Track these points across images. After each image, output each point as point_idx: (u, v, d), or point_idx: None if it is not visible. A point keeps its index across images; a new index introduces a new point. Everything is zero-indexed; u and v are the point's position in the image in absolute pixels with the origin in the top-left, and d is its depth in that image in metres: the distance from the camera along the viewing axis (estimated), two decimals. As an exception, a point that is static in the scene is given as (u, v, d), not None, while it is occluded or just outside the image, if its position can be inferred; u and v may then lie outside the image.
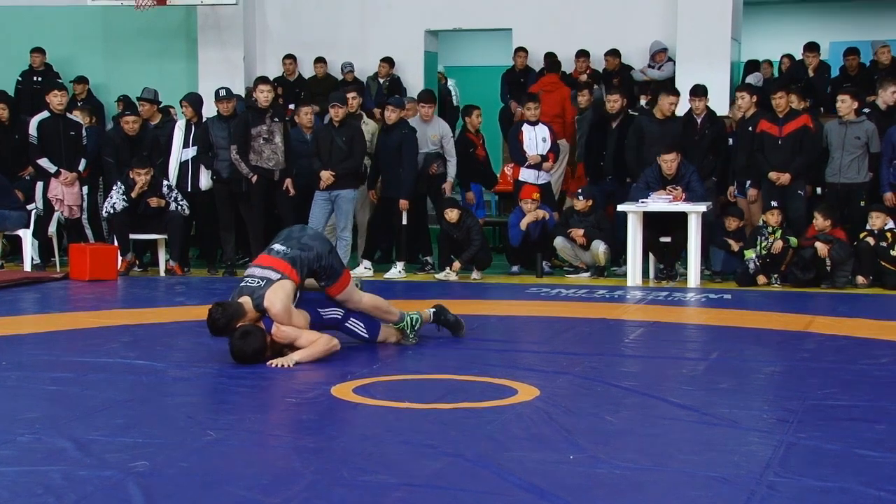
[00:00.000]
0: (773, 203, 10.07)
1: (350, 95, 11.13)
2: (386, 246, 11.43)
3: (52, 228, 11.25)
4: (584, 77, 13.10)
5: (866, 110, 10.63)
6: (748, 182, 10.63)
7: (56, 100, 11.13)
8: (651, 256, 10.45)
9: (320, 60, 13.82)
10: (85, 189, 11.42)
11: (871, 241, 9.80)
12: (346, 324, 6.66)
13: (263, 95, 10.55)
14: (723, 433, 4.76)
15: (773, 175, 10.25)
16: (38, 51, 14.26)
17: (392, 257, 11.06)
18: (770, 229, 9.94)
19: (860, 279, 9.81)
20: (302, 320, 6.34)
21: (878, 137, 10.23)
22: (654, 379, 5.93)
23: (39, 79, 13.86)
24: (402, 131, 10.69)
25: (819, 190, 10.74)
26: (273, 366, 6.12)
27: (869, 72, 12.69)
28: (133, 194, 10.49)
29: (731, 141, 10.81)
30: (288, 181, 10.60)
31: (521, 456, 4.36)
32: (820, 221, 9.85)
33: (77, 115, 11.67)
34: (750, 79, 12.83)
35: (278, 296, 6.18)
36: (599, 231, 10.48)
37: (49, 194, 11.11)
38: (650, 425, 4.89)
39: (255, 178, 10.42)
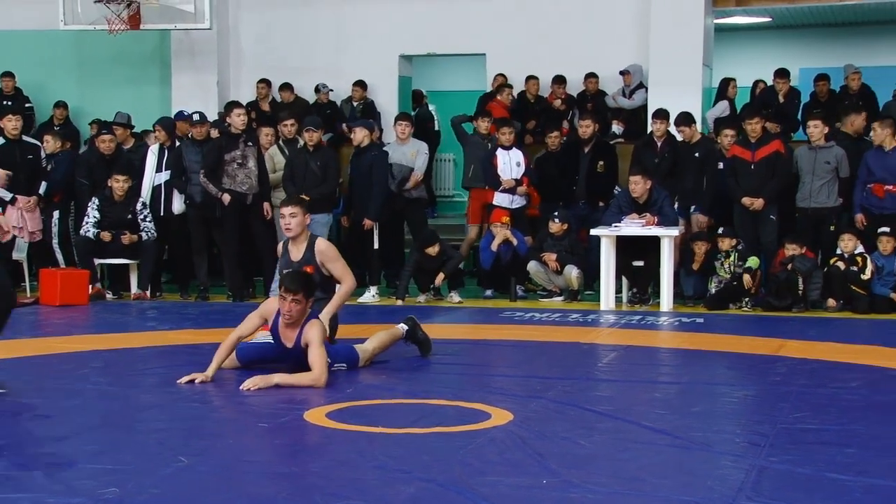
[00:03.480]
0: (720, 230, 10.25)
1: (289, 122, 11.15)
2: (358, 271, 11.37)
3: (20, 254, 11.06)
4: (558, 102, 13.15)
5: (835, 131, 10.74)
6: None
7: (10, 125, 10.83)
8: (624, 280, 10.49)
9: (286, 87, 13.72)
10: (56, 214, 11.31)
11: (841, 265, 9.87)
12: (330, 371, 6.63)
13: (240, 120, 10.52)
14: (696, 457, 4.77)
15: (746, 200, 10.32)
16: (7, 75, 14.16)
17: (365, 281, 11.03)
18: (724, 253, 10.06)
19: (830, 302, 9.88)
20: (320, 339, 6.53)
21: (847, 162, 10.32)
22: (628, 403, 5.94)
23: (9, 103, 13.73)
24: (372, 153, 10.71)
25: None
26: (250, 388, 6.08)
27: (839, 97, 12.80)
28: (102, 236, 10.50)
29: (721, 165, 10.75)
30: (266, 205, 10.57)
31: (495, 480, 4.35)
32: (793, 249, 9.92)
33: (48, 140, 11.57)
34: (716, 108, 12.93)
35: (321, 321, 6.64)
36: (572, 255, 10.51)
37: (8, 221, 10.88)
38: (623, 449, 4.89)
39: (226, 198, 10.34)
